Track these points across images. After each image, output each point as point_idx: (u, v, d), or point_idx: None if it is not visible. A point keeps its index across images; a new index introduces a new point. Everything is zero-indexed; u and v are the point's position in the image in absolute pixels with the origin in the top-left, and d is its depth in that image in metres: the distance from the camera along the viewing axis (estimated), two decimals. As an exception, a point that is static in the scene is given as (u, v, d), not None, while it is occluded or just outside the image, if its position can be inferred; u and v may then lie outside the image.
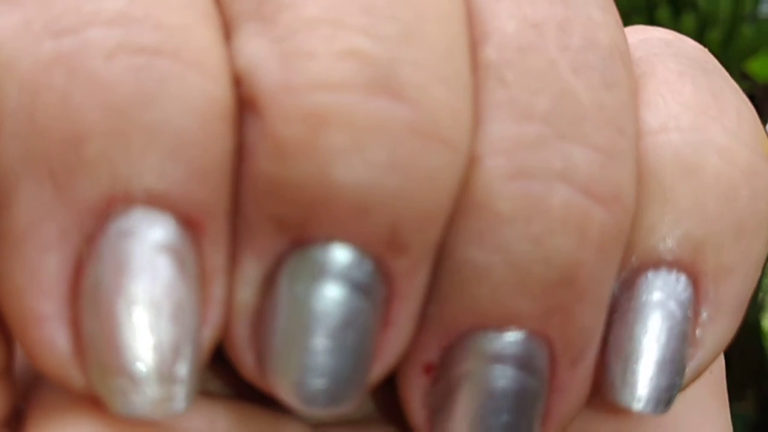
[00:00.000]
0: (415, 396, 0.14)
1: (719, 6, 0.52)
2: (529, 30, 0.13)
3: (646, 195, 0.14)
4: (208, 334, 0.13)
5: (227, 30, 0.13)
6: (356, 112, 0.12)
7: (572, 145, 0.13)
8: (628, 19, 0.53)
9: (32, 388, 0.14)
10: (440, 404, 0.14)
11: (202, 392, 0.14)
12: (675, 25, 0.50)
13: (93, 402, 0.12)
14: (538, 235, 0.13)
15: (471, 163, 0.13)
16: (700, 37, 0.49)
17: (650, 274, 0.14)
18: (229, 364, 0.14)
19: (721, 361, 0.18)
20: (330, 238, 0.12)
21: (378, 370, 0.14)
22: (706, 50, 0.16)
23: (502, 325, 0.13)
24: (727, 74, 0.16)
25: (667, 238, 0.14)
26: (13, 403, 0.13)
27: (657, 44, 0.16)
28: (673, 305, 0.14)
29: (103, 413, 0.12)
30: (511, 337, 0.13)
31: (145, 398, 0.12)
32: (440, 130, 0.12)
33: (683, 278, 0.14)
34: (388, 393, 0.16)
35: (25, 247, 0.12)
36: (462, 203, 0.13)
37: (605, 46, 0.14)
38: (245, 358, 0.13)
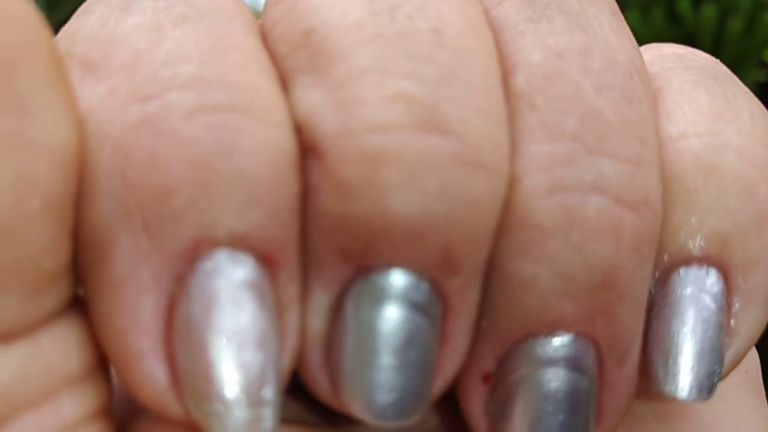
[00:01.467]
0: (476, 405, 0.15)
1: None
2: (554, 58, 0.15)
3: (672, 198, 0.15)
4: (286, 361, 0.14)
5: (284, 83, 0.14)
6: (407, 149, 0.13)
7: (601, 159, 0.14)
8: (647, 10, 0.53)
9: (130, 424, 0.15)
10: (500, 411, 0.15)
11: (289, 419, 0.15)
12: (695, 15, 0.50)
13: (189, 429, 0.14)
14: (578, 243, 0.14)
15: (511, 184, 0.14)
16: (720, 27, 0.50)
17: (682, 271, 0.16)
18: (303, 392, 0.15)
19: (756, 360, 0.19)
20: (390, 264, 0.14)
21: (440, 383, 0.15)
22: (717, 61, 0.18)
23: (551, 331, 0.14)
24: (737, 80, 0.17)
25: (695, 236, 0.15)
26: None
27: (670, 59, 0.17)
28: (706, 298, 0.16)
29: None
30: (560, 341, 0.15)
31: (238, 421, 0.13)
32: (482, 157, 0.14)
33: (713, 272, 0.16)
34: (450, 407, 0.17)
35: (124, 292, 0.13)
36: (506, 221, 0.14)
37: (623, 65, 0.15)
38: (320, 381, 0.14)
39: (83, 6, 0.15)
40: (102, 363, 0.14)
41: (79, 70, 0.14)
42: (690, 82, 0.16)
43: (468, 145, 0.14)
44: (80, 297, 0.14)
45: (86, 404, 0.14)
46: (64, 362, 0.14)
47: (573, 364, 0.15)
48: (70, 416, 0.14)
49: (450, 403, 0.17)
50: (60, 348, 0.13)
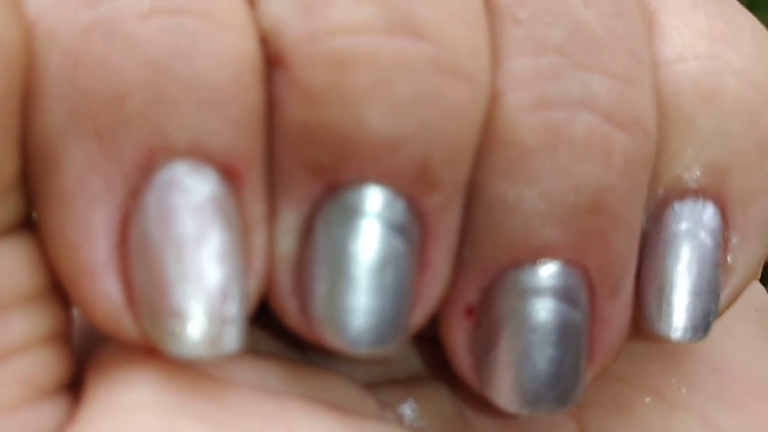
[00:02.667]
0: (459, 341, 0.14)
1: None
2: None
3: (668, 124, 0.14)
4: (254, 285, 0.13)
5: (251, 1, 0.13)
6: (378, 52, 0.12)
7: (590, 73, 0.13)
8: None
9: (90, 355, 0.14)
10: (484, 347, 0.14)
11: (254, 350, 0.15)
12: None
13: (148, 361, 0.13)
14: (564, 163, 0.13)
15: (493, 100, 0.13)
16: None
17: (677, 205, 0.15)
18: (271, 323, 0.14)
19: (766, 298, 0.18)
20: (362, 179, 0.13)
21: (420, 314, 0.14)
22: None
23: (537, 258, 0.14)
24: (738, 3, 0.16)
25: (691, 166, 0.14)
26: (72, 368, 0.14)
27: None
28: (702, 234, 0.15)
29: (159, 372, 0.13)
30: (548, 269, 0.14)
31: (197, 338, 0.12)
32: (460, 64, 0.13)
33: (710, 205, 0.15)
34: (428, 352, 0.16)
35: (74, 203, 0.12)
36: (488, 139, 0.13)
37: None
38: (289, 308, 0.14)
39: None
40: (57, 288, 0.13)
41: None
42: (687, 2, 0.15)
43: (444, 49, 0.13)
44: (35, 220, 0.13)
45: (38, 326, 0.13)
46: (14, 280, 0.13)
47: (562, 294, 0.14)
48: (19, 336, 0.13)
49: (431, 344, 0.16)
50: (9, 264, 0.13)
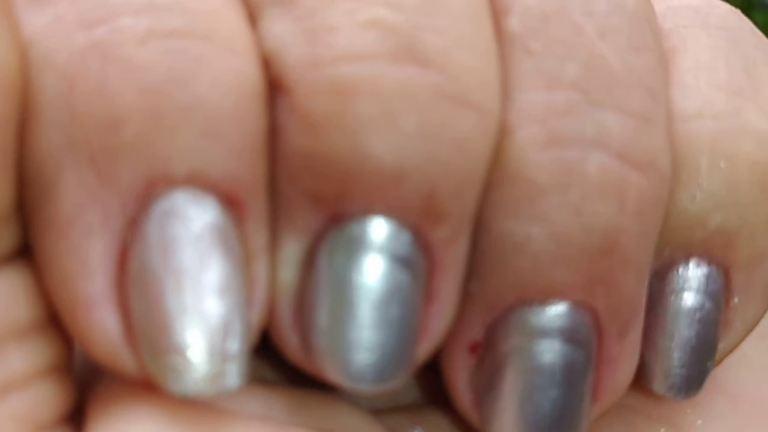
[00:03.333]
0: (460, 378, 0.14)
1: (730, -6, 0.52)
2: None
3: (679, 185, 0.14)
4: (256, 316, 0.13)
5: (252, 19, 0.13)
6: (383, 80, 0.12)
7: (604, 111, 0.13)
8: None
9: (92, 385, 0.14)
10: (487, 385, 0.14)
11: (259, 379, 0.14)
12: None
13: (151, 393, 0.13)
14: (576, 202, 0.13)
15: (503, 134, 0.13)
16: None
17: (681, 269, 0.14)
18: (272, 355, 0.14)
19: None
20: (366, 211, 0.12)
21: (425, 348, 0.14)
22: (737, 12, 0.16)
23: (545, 298, 0.13)
24: (758, 39, 0.16)
25: (698, 231, 0.14)
26: (74, 400, 0.13)
27: (686, 13, 0.16)
28: (704, 298, 0.14)
29: (162, 405, 0.13)
30: (556, 310, 0.13)
31: (198, 375, 0.12)
32: (468, 93, 0.12)
33: (714, 270, 0.14)
34: (435, 380, 0.16)
35: (70, 233, 0.12)
36: (496, 174, 0.13)
37: (631, 10, 0.14)
38: (290, 341, 0.13)
39: None
40: (56, 318, 0.13)
41: (23, 1, 0.13)
42: (708, 46, 0.15)
43: (451, 78, 0.12)
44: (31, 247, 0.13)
45: (38, 359, 0.13)
46: (12, 312, 0.12)
47: (568, 335, 0.13)
48: (18, 371, 0.12)
49: (433, 374, 0.16)
50: (7, 296, 0.12)
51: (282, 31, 0.12)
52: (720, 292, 0.15)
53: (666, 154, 0.14)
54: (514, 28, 0.13)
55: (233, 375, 0.12)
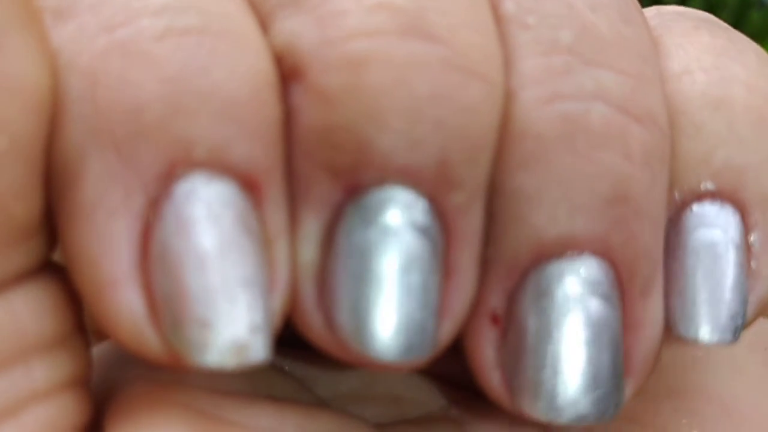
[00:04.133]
0: (486, 354, 0.14)
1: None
2: None
3: (679, 132, 0.14)
4: (278, 298, 0.13)
5: (265, 24, 0.13)
6: (393, 52, 0.13)
7: (601, 70, 0.14)
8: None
9: (108, 400, 0.14)
10: (514, 357, 0.14)
11: (271, 396, 0.14)
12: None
13: (168, 406, 0.13)
14: (583, 151, 0.13)
15: (508, 99, 0.13)
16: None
17: (695, 208, 0.15)
18: (290, 370, 0.14)
19: None
20: (382, 180, 0.13)
21: (448, 326, 0.13)
22: (717, 19, 0.17)
23: (562, 251, 0.13)
24: (740, 33, 0.16)
25: (705, 169, 0.14)
26: (91, 414, 0.13)
27: (670, 14, 0.16)
28: (722, 235, 0.14)
29: (176, 419, 0.13)
30: (576, 263, 0.13)
31: (223, 347, 0.12)
32: (474, 65, 0.13)
33: (728, 207, 0.15)
34: (447, 390, 0.16)
35: (94, 216, 0.12)
36: (505, 136, 0.13)
37: None
38: (314, 322, 0.13)
39: None
40: (78, 332, 0.13)
41: (50, 18, 0.13)
42: (690, 26, 0.16)
43: (457, 52, 0.13)
44: (56, 263, 0.13)
45: (59, 372, 0.13)
46: (37, 325, 0.13)
47: (593, 288, 0.13)
48: (41, 382, 0.13)
49: (444, 382, 0.16)
50: (33, 309, 0.13)
51: (294, 23, 0.13)
52: (738, 232, 0.14)
53: (663, 113, 0.14)
54: (509, 9, 0.14)
55: (258, 347, 0.12)
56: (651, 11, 0.17)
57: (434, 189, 0.13)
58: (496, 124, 0.13)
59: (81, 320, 0.13)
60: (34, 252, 0.13)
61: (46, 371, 0.13)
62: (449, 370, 0.16)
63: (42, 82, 0.12)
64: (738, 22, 0.44)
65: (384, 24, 0.13)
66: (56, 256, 0.13)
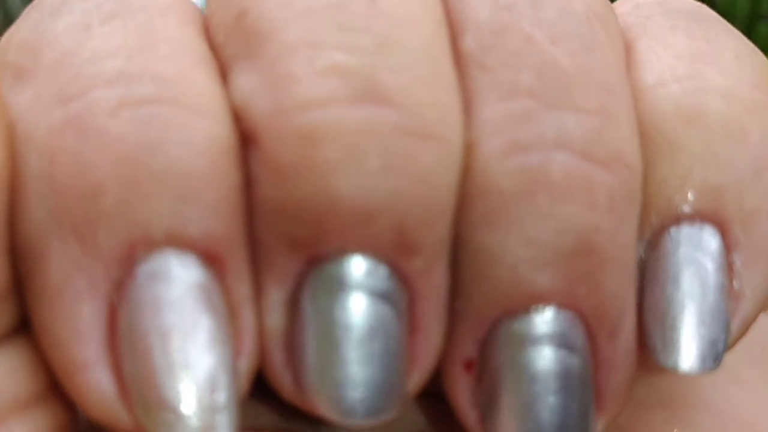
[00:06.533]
0: (462, 396, 0.14)
1: (737, 5, 0.52)
2: (502, 12, 0.14)
3: (654, 151, 0.14)
4: (246, 364, 0.13)
5: (224, 74, 0.13)
6: (344, 123, 0.12)
7: (563, 113, 0.13)
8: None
9: None
10: (487, 400, 0.14)
11: (252, 427, 0.15)
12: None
13: None
14: (545, 206, 0.13)
15: (468, 152, 0.13)
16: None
17: (673, 230, 0.14)
18: (272, 396, 0.14)
19: None
20: (342, 250, 0.13)
21: (417, 377, 0.14)
22: (703, 6, 0.16)
23: (528, 305, 0.13)
24: (725, 22, 0.16)
25: (682, 190, 0.14)
26: None
27: (648, 7, 0.16)
28: (702, 257, 0.14)
29: None
30: (542, 316, 0.13)
31: (189, 429, 0.12)
32: (427, 127, 0.13)
33: (708, 228, 0.14)
34: (440, 405, 0.16)
35: (60, 301, 0.13)
36: (465, 191, 0.13)
37: (581, 12, 0.14)
38: (283, 381, 0.14)
39: (21, 16, 0.14)
40: (57, 387, 0.13)
41: (10, 78, 0.13)
42: (667, 27, 0.15)
43: (410, 114, 0.13)
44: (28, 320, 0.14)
45: (39, 430, 0.13)
46: (12, 387, 0.13)
47: (558, 340, 0.13)
48: None
49: (441, 401, 0.16)
50: (8, 372, 0.13)
51: (249, 83, 0.13)
52: (718, 253, 0.14)
53: (633, 147, 0.14)
54: (469, 46, 0.14)
55: (223, 426, 0.12)
56: (629, 3, 0.16)
57: (393, 256, 0.13)
58: (455, 185, 0.13)
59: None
60: (6, 317, 0.13)
61: (24, 430, 0.13)
62: (429, 385, 0.16)
63: (2, 157, 0.12)
64: (747, 35, 0.44)
65: (335, 91, 0.13)
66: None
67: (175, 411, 0.12)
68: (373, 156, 0.12)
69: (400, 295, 0.13)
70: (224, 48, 0.13)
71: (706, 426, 0.16)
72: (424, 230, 0.13)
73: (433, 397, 0.16)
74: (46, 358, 0.13)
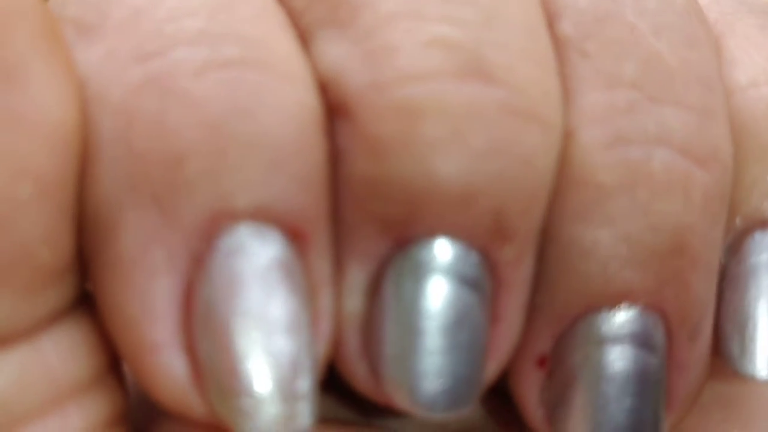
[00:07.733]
0: (530, 393, 0.14)
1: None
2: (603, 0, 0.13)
3: (744, 153, 0.14)
4: (321, 349, 0.12)
5: (303, 40, 0.13)
6: (449, 99, 0.12)
7: (665, 107, 0.13)
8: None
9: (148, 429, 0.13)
10: (558, 399, 0.13)
11: (330, 419, 0.14)
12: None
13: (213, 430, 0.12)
14: (643, 202, 0.13)
15: (566, 138, 0.13)
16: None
17: (757, 235, 0.14)
18: (340, 386, 0.14)
19: None
20: (434, 233, 0.12)
21: (492, 368, 0.13)
22: None
23: (615, 303, 0.13)
24: None
25: None
26: None
27: (729, 4, 0.15)
28: None
29: None
30: (626, 315, 0.13)
31: (270, 417, 0.11)
32: (534, 107, 0.12)
33: None
34: (497, 400, 0.16)
35: (134, 275, 0.12)
36: (562, 181, 0.13)
37: (681, 6, 0.14)
38: (359, 371, 0.13)
39: None
40: (114, 366, 0.13)
41: (72, 34, 0.12)
42: (755, 26, 0.15)
43: (516, 93, 0.12)
44: (88, 293, 0.12)
45: (96, 413, 0.12)
46: (70, 368, 0.12)
47: (640, 340, 0.13)
48: (78, 428, 0.12)
49: (494, 393, 0.15)
50: (64, 352, 0.12)
51: (340, 54, 0.12)
52: None
53: (727, 146, 0.13)
54: (568, 31, 0.13)
55: (304, 415, 0.12)
56: None
57: (487, 242, 0.12)
58: (554, 170, 0.13)
59: (116, 355, 0.13)
60: (64, 293, 0.12)
61: (82, 416, 0.12)
62: None
63: (68, 119, 0.11)
64: None
65: (439, 65, 0.12)
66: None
67: (254, 398, 0.11)
68: (479, 136, 0.12)
69: (487, 283, 0.13)
70: (304, 14, 0.13)
71: (764, 428, 0.16)
72: (522, 216, 0.12)
73: (493, 393, 0.16)
74: (111, 336, 0.12)
